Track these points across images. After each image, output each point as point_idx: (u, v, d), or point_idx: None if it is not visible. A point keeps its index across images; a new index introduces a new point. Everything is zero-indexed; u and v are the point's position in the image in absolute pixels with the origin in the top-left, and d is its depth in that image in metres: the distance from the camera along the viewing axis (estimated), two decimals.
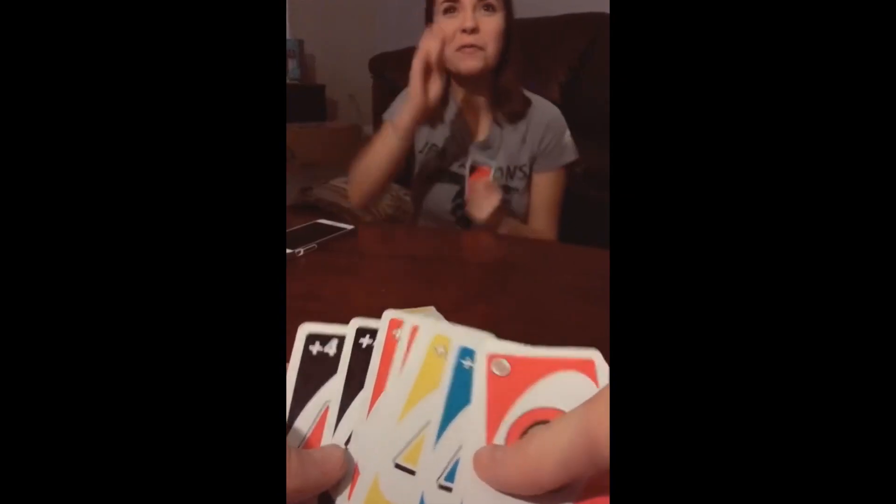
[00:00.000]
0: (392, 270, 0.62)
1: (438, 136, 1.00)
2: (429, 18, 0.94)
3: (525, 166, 0.98)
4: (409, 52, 1.90)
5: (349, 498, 0.19)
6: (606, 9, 1.83)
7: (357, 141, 2.43)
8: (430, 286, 0.59)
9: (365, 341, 0.22)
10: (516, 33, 0.94)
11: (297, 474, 0.18)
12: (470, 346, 0.21)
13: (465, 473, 0.18)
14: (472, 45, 0.89)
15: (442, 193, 1.00)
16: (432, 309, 0.50)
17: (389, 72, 1.98)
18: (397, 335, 0.22)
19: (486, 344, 0.21)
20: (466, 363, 0.21)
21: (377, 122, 2.04)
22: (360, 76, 2.21)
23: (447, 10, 0.90)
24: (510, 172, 0.98)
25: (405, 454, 0.19)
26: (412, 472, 0.19)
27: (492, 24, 0.90)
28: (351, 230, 0.76)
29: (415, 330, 0.22)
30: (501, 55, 0.93)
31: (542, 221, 1.00)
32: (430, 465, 0.19)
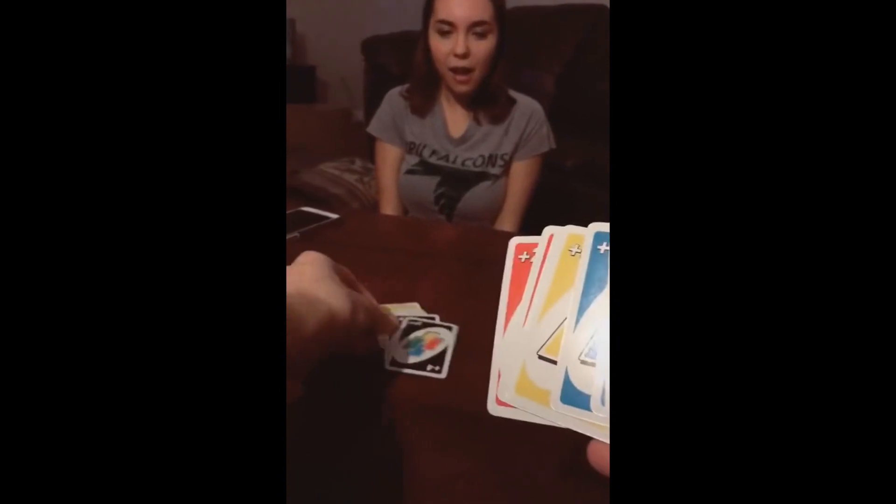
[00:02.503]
0: (374, 264, 0.61)
1: (419, 132, 1.02)
2: (424, 30, 0.96)
3: (506, 154, 1.01)
4: (402, 37, 1.87)
5: (497, 385, 0.21)
6: (603, 0, 1.81)
7: (348, 125, 2.39)
8: (415, 280, 0.58)
9: (602, 247, 0.23)
10: (506, 46, 0.96)
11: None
12: (605, 231, 0.22)
13: (607, 348, 0.20)
14: (463, 70, 0.92)
15: (424, 185, 1.03)
16: (416, 305, 0.49)
17: (382, 56, 1.94)
18: (523, 258, 0.24)
19: None
20: (602, 247, 0.22)
21: (368, 107, 2.02)
22: (352, 58, 2.17)
23: (441, 30, 0.90)
24: (492, 160, 1.01)
25: (547, 347, 0.21)
26: (554, 362, 0.21)
27: (483, 49, 0.92)
28: (337, 219, 0.74)
29: (550, 238, 0.24)
30: (490, 71, 0.95)
31: (513, 207, 1.04)
32: (572, 347, 0.21)
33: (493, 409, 0.22)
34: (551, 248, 0.23)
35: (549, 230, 0.24)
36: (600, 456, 0.19)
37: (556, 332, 0.21)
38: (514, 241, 0.25)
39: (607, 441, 0.19)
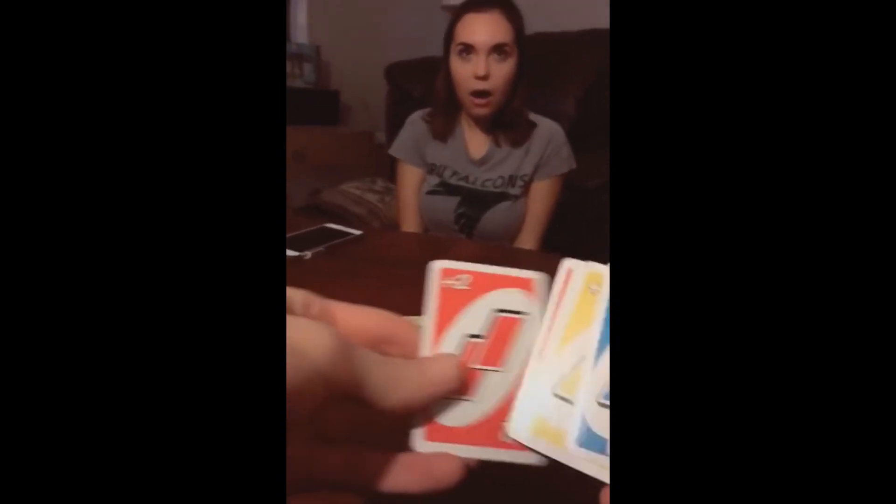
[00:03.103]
0: (396, 278, 0.61)
1: (440, 154, 1.04)
2: (445, 55, 0.98)
3: (526, 175, 1.02)
4: (424, 62, 1.91)
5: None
6: None
7: (369, 146, 2.44)
8: None
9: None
10: (527, 70, 0.97)
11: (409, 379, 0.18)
12: None
13: None
14: (483, 93, 0.93)
15: (444, 205, 1.03)
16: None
17: (405, 80, 1.99)
18: (447, 284, 0.23)
19: None
20: None
21: (389, 130, 2.06)
22: (374, 83, 2.22)
23: (462, 52, 0.92)
24: (511, 181, 1.01)
25: (562, 385, 0.20)
26: (569, 402, 0.20)
27: (503, 71, 0.93)
28: (359, 235, 0.75)
29: (569, 272, 0.23)
30: (510, 95, 0.96)
31: (533, 226, 1.04)
32: (589, 387, 0.20)
33: (423, 445, 0.20)
34: (570, 284, 0.22)
35: (567, 264, 0.23)
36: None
37: (572, 371, 0.21)
38: (439, 265, 0.23)
39: None
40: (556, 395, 0.20)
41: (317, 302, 0.20)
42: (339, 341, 0.16)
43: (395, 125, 1.12)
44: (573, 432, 0.19)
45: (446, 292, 0.22)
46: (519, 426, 0.20)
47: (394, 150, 1.09)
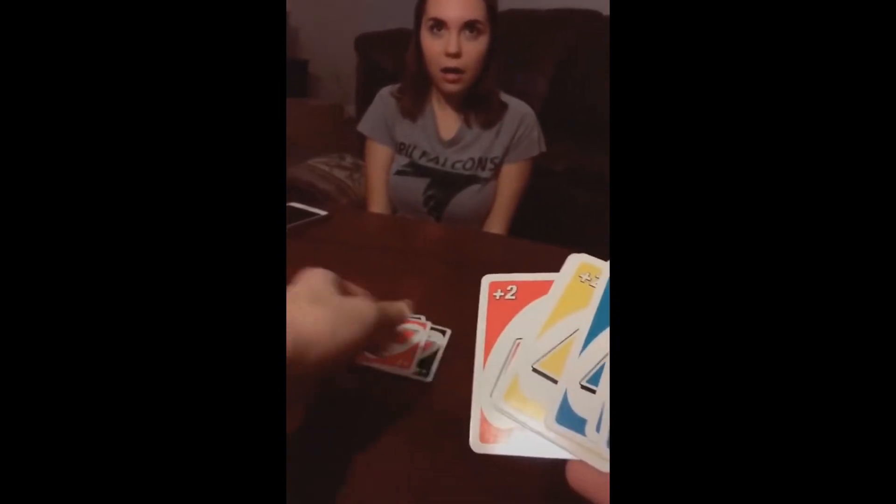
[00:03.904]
0: (363, 261, 0.61)
1: (410, 133, 1.02)
2: (416, 30, 0.95)
3: (497, 157, 1.02)
4: (396, 34, 1.86)
5: (491, 394, 0.22)
6: (595, 6, 1.82)
7: (339, 120, 2.37)
8: (401, 279, 0.58)
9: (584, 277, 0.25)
10: (500, 47, 0.95)
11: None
12: None
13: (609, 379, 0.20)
14: (454, 70, 0.91)
15: (413, 186, 1.03)
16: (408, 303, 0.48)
17: (375, 52, 1.93)
18: (497, 296, 0.26)
19: None
20: None
21: (360, 104, 2.01)
22: (345, 54, 2.16)
23: (433, 28, 0.90)
24: (481, 164, 1.01)
25: (543, 362, 0.22)
26: (549, 378, 0.22)
27: (475, 48, 0.91)
28: (325, 216, 0.74)
29: (567, 262, 0.25)
30: (482, 72, 0.94)
31: (502, 209, 1.04)
32: (574, 370, 0.21)
33: (477, 446, 0.22)
34: (563, 270, 0.24)
35: (572, 257, 0.25)
36: (579, 476, 0.19)
37: (553, 350, 0.22)
38: (488, 280, 0.26)
39: (593, 464, 0.19)
40: (535, 370, 0.22)
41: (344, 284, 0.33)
42: (376, 309, 0.31)
43: (365, 99, 1.09)
44: (553, 409, 0.21)
45: (495, 303, 0.25)
46: (497, 394, 0.22)
47: (362, 127, 1.06)
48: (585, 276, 0.24)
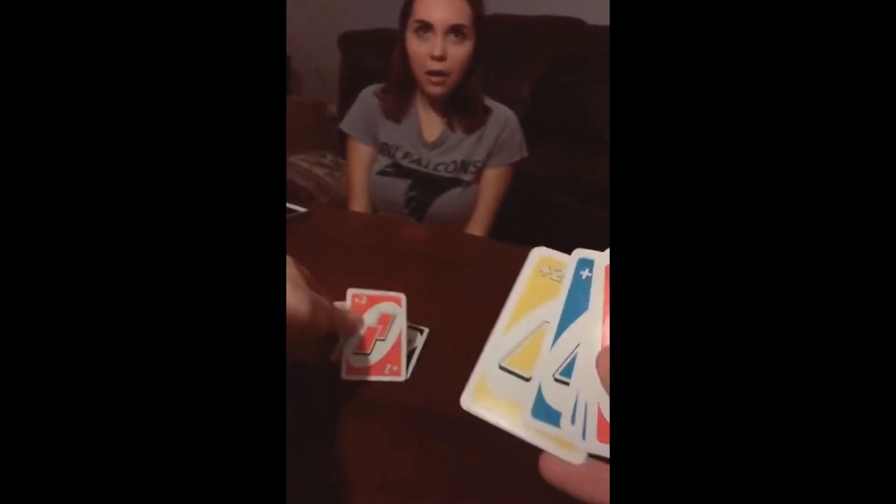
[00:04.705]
0: (343, 260, 0.60)
1: (393, 134, 1.02)
2: (401, 31, 0.95)
3: (479, 161, 1.02)
4: (380, 33, 1.85)
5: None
6: (581, 15, 1.85)
7: (320, 118, 2.35)
8: (383, 278, 0.57)
9: (584, 273, 0.24)
10: (485, 52, 0.96)
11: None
12: (589, 258, 0.23)
13: (582, 369, 0.20)
14: (439, 73, 0.91)
15: (395, 187, 1.03)
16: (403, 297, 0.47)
17: (359, 51, 1.92)
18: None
19: (604, 256, 0.24)
20: (584, 273, 0.23)
21: (342, 102, 1.99)
22: (327, 51, 2.14)
23: (419, 31, 0.90)
24: (464, 167, 1.01)
25: (510, 359, 0.22)
26: (517, 375, 0.22)
27: (460, 52, 0.92)
28: (305, 213, 0.73)
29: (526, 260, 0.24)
30: (466, 76, 0.95)
31: (482, 213, 1.05)
32: (547, 364, 0.21)
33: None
34: (524, 266, 0.24)
35: (534, 252, 0.25)
36: (551, 469, 0.19)
37: (519, 347, 0.22)
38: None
39: (566, 458, 0.19)
40: (503, 368, 0.22)
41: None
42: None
43: (347, 97, 1.08)
44: (528, 403, 0.21)
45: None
46: (467, 395, 0.22)
47: (345, 126, 1.06)
48: (545, 270, 0.24)
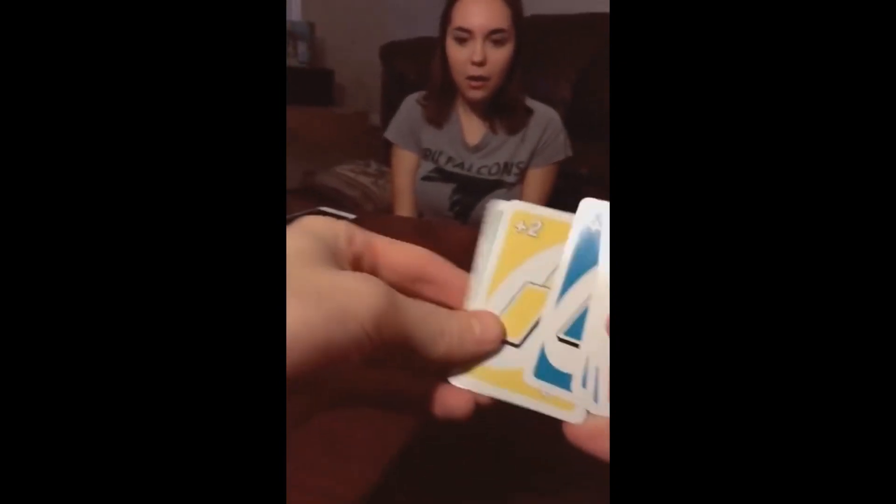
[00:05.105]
0: None
1: (436, 139, 1.03)
2: (441, 38, 0.96)
3: (522, 163, 1.02)
4: (420, 43, 1.88)
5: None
6: None
7: (363, 128, 2.41)
8: None
9: (593, 226, 0.22)
10: (523, 55, 0.96)
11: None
12: (597, 209, 0.21)
13: (593, 329, 0.19)
14: (479, 77, 0.92)
15: (439, 192, 1.03)
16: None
17: (400, 61, 1.96)
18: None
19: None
20: (594, 226, 0.21)
21: (384, 111, 2.04)
22: (369, 63, 2.20)
23: (459, 39, 0.91)
24: (507, 169, 1.01)
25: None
26: (507, 342, 0.20)
27: (500, 57, 0.92)
28: (352, 220, 0.75)
29: (499, 216, 0.22)
30: (507, 79, 0.95)
31: None
32: (551, 322, 0.20)
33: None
34: (499, 224, 0.22)
35: (497, 206, 0.22)
36: (580, 434, 0.18)
37: (507, 309, 0.20)
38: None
39: (566, 419, 0.18)
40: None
41: (360, 235, 0.20)
42: (387, 299, 0.16)
43: (390, 107, 1.11)
44: (529, 365, 0.19)
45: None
46: (459, 372, 0.20)
47: (389, 134, 1.08)
48: (521, 226, 0.21)
